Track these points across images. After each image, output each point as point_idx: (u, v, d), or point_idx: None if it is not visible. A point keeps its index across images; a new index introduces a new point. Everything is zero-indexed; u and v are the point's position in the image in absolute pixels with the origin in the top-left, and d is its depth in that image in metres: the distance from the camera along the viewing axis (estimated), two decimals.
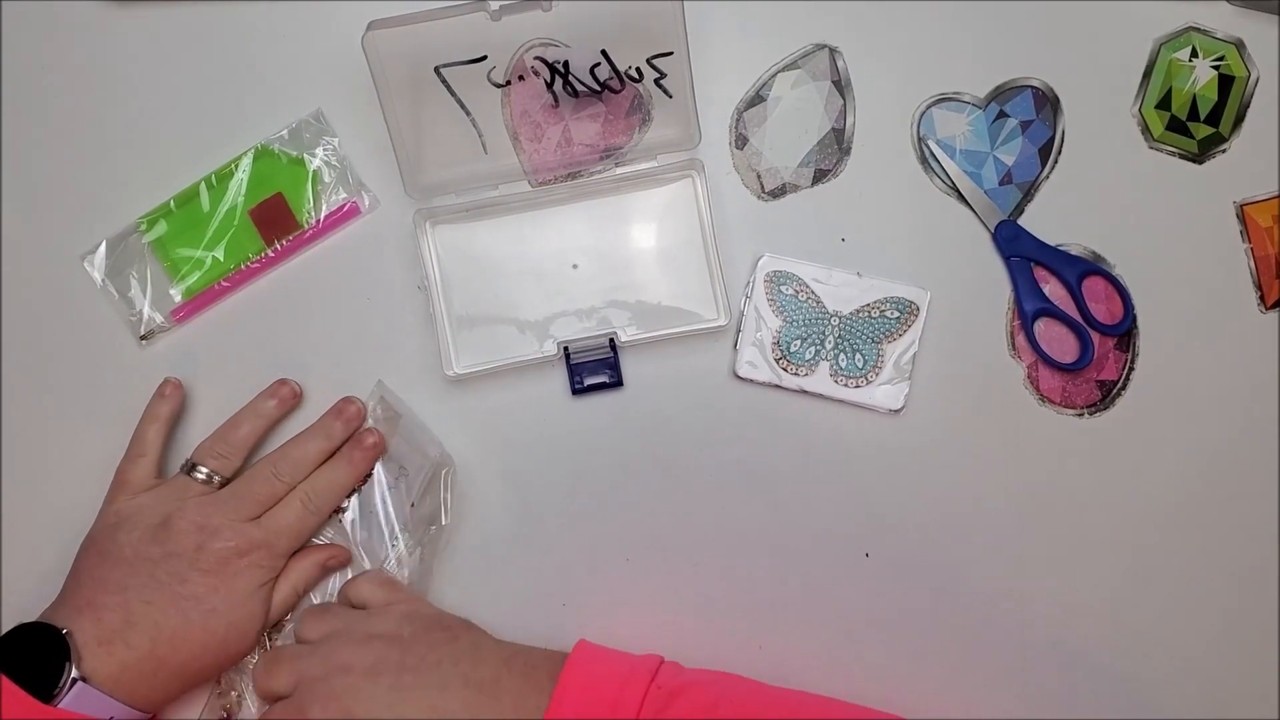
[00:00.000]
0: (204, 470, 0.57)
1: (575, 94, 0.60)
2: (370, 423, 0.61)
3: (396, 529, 0.59)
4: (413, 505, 0.59)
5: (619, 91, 0.61)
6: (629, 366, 0.62)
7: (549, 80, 0.59)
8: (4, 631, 0.52)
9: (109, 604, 0.53)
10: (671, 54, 0.58)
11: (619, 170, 0.62)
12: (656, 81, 0.60)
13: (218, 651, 0.55)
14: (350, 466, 0.59)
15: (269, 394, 0.60)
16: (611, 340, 0.61)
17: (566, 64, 0.59)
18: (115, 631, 0.52)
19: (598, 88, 0.60)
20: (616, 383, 0.62)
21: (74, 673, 0.50)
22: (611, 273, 0.62)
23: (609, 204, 0.62)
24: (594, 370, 0.62)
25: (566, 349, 0.61)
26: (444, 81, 0.58)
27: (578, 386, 0.62)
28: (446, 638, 0.55)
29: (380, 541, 0.60)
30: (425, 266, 0.61)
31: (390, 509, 0.60)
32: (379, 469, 0.60)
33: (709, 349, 0.62)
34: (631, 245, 0.62)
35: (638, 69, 0.59)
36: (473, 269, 0.62)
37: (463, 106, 0.60)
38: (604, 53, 0.59)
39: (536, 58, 0.59)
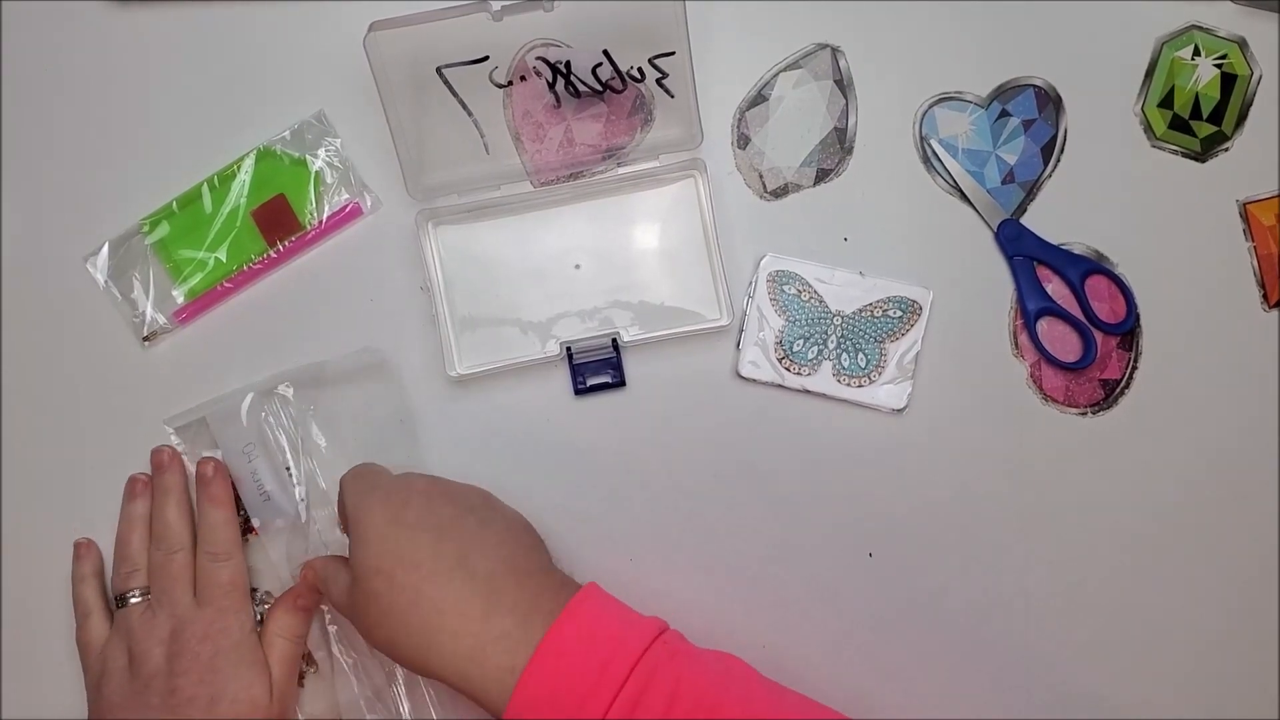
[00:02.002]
0: (132, 595, 0.58)
1: (577, 94, 0.60)
2: (182, 448, 0.61)
3: (296, 495, 0.61)
4: (289, 468, 0.60)
5: (621, 91, 0.60)
6: (631, 367, 0.62)
7: (551, 80, 0.59)
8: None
9: None
10: (673, 54, 0.58)
11: (621, 170, 0.62)
12: (658, 81, 0.60)
13: None
14: (214, 503, 0.59)
15: (130, 497, 0.61)
16: (614, 340, 0.61)
17: (568, 64, 0.59)
18: None
19: (600, 88, 0.60)
20: (619, 383, 0.62)
21: None
22: (614, 273, 0.62)
23: (611, 204, 0.62)
24: (596, 370, 0.62)
25: (569, 349, 0.61)
26: (446, 82, 0.58)
27: (580, 387, 0.62)
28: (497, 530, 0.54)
29: (297, 520, 0.61)
30: (427, 267, 0.61)
31: (272, 490, 0.60)
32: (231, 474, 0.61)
33: (711, 349, 0.62)
34: (634, 245, 0.62)
35: (639, 69, 0.59)
36: (475, 270, 0.62)
37: (465, 107, 0.60)
38: (606, 53, 0.58)
39: (538, 58, 0.59)
